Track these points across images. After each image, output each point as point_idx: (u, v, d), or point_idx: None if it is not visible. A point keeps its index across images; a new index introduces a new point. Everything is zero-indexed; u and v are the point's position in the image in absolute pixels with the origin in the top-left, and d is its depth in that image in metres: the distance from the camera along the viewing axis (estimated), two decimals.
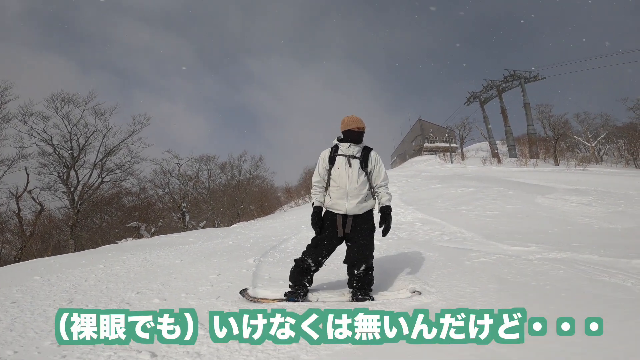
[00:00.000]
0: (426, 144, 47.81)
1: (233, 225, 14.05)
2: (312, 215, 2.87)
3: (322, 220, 2.90)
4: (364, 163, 2.86)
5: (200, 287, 3.32)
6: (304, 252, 2.88)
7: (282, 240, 6.59)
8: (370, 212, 2.93)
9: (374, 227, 2.93)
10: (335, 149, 2.92)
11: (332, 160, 2.88)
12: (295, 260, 2.90)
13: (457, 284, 3.07)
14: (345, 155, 2.85)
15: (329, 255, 2.88)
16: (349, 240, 2.89)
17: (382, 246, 5.13)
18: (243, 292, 2.92)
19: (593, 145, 36.06)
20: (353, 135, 2.85)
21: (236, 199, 30.01)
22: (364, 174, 2.84)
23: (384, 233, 2.86)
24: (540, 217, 7.20)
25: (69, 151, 18.02)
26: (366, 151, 2.91)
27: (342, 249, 3.00)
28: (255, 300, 2.79)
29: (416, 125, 51.14)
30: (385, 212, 2.89)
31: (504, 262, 3.79)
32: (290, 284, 2.88)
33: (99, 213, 20.60)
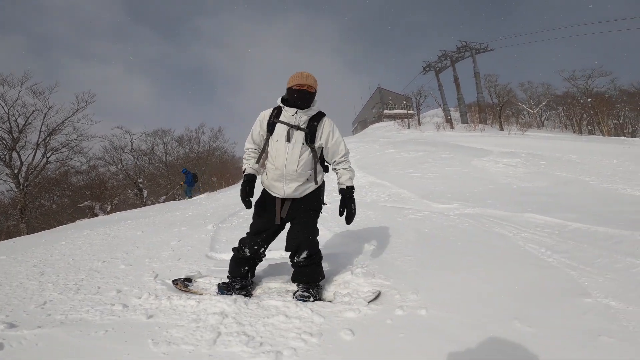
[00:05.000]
0: (385, 111, 48.99)
1: (193, 198, 14.12)
2: (242, 184, 2.37)
3: (262, 201, 2.48)
4: (310, 136, 2.28)
5: (162, 252, 3.70)
6: (241, 239, 2.50)
7: (242, 208, 6.97)
8: (314, 192, 2.43)
9: (320, 205, 2.47)
10: (277, 113, 2.33)
11: (271, 127, 2.32)
12: (233, 250, 2.55)
13: (385, 236, 3.70)
14: (288, 125, 2.28)
15: (267, 243, 2.48)
16: (290, 222, 2.46)
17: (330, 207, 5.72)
18: (175, 282, 2.65)
19: (535, 111, 39.07)
20: (296, 95, 2.25)
21: (196, 171, 29.46)
22: (308, 150, 2.30)
23: (347, 221, 2.36)
24: (471, 178, 8.17)
25: (8, 133, 16.82)
26: (315, 120, 2.31)
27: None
28: (186, 290, 2.54)
29: (376, 93, 52.06)
30: (346, 195, 2.36)
31: (427, 218, 4.51)
32: (229, 275, 2.55)
33: (47, 194, 19.57)
